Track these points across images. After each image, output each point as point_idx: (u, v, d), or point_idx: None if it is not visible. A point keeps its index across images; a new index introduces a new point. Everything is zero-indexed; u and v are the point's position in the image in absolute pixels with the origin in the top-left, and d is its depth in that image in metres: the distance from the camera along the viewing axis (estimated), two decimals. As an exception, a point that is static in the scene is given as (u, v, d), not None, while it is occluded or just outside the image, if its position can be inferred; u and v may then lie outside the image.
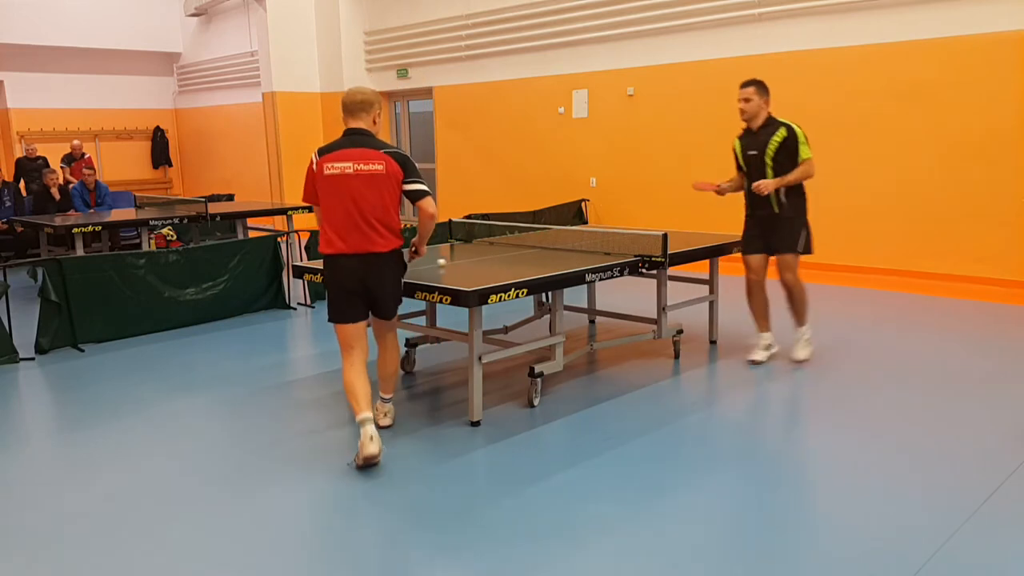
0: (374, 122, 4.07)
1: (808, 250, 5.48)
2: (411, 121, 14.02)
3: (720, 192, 5.78)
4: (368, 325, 4.20)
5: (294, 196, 13.31)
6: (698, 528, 3.26)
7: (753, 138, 5.44)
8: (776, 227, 5.46)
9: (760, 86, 5.40)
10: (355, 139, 4.01)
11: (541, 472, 3.81)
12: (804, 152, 5.31)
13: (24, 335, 6.28)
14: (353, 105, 4.04)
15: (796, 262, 5.45)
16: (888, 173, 8.30)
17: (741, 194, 5.75)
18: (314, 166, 4.01)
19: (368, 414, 3.92)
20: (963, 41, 7.70)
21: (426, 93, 13.18)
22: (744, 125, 5.52)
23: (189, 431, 4.51)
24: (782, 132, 5.32)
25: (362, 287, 4.02)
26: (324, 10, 13.53)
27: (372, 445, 3.84)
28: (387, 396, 4.48)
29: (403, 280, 4.24)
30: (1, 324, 5.92)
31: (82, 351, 6.21)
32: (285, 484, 3.78)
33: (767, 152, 5.35)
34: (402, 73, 13.25)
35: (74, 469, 4.04)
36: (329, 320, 4.13)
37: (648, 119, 10.27)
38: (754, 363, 5.55)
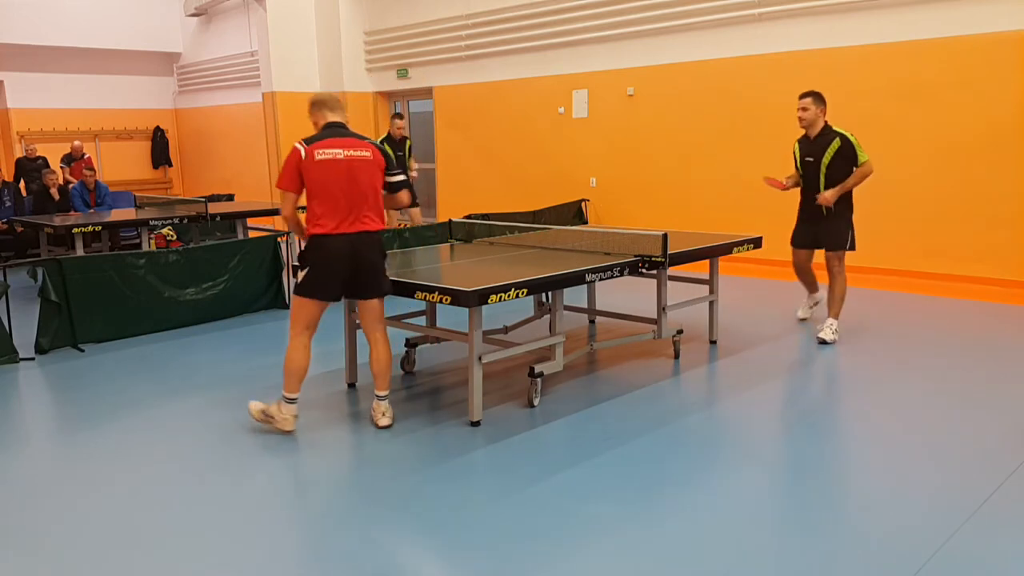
0: (347, 121, 4.41)
1: (852, 247, 6.09)
2: (411, 121, 14.01)
3: (785, 188, 6.35)
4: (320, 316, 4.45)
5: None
6: (698, 528, 3.26)
7: (811, 145, 6.05)
8: (825, 227, 6.08)
9: (817, 97, 6.00)
10: (340, 131, 4.29)
11: (541, 472, 3.81)
12: (861, 156, 5.89)
13: (24, 335, 6.28)
14: (333, 102, 4.38)
15: (842, 256, 6.09)
16: (888, 173, 8.28)
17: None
18: (302, 154, 4.16)
19: (298, 395, 4.36)
20: (963, 41, 7.71)
21: (426, 93, 13.18)
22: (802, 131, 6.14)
23: (189, 431, 4.51)
24: (836, 143, 5.90)
25: (350, 266, 4.25)
26: (324, 10, 13.53)
27: (294, 423, 4.35)
28: (383, 393, 4.47)
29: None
30: (1, 324, 5.92)
31: (82, 351, 6.21)
32: (284, 484, 3.78)
33: (823, 161, 5.95)
34: (402, 73, 13.25)
35: (74, 469, 4.04)
36: (300, 293, 4.29)
37: (648, 119, 10.27)
38: (802, 320, 6.57)
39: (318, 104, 4.35)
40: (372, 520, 3.40)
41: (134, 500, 3.64)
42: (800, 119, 6.03)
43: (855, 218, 6.13)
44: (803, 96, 6.02)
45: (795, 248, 6.38)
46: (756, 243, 6.09)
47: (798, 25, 8.79)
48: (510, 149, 11.96)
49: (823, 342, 5.97)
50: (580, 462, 3.92)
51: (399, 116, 9.77)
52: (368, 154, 4.24)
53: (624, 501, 3.50)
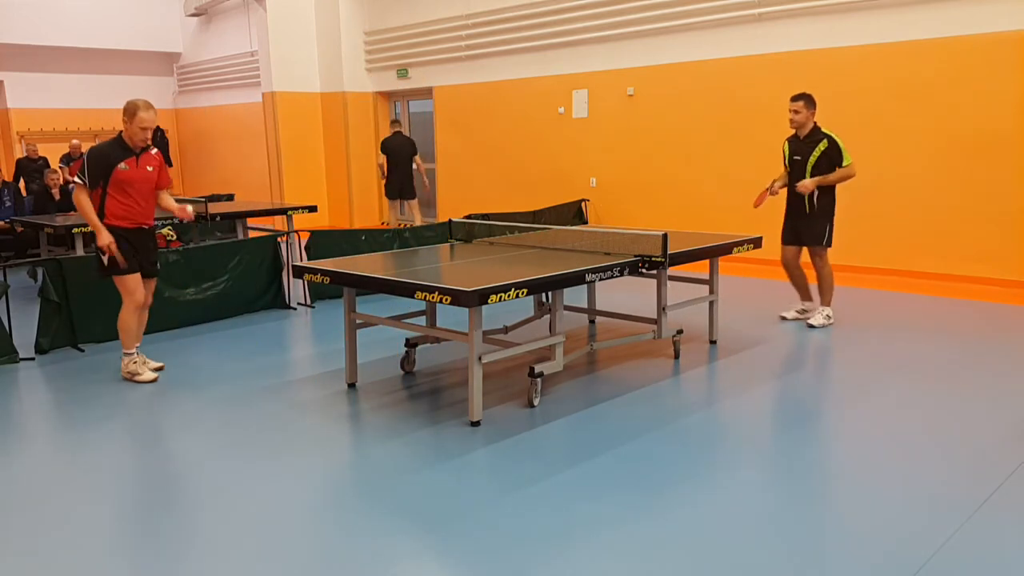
0: (125, 128, 5.28)
1: (828, 243, 6.39)
2: (411, 121, 14.02)
3: (773, 192, 6.57)
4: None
5: (294, 196, 13.33)
6: (697, 528, 3.26)
7: (799, 145, 6.35)
8: (806, 225, 6.40)
9: (809, 100, 6.27)
10: None
11: (541, 472, 3.81)
12: (846, 159, 6.19)
13: (24, 335, 6.28)
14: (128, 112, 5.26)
15: (823, 251, 6.41)
16: (888, 173, 8.30)
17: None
18: None
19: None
20: (963, 41, 7.71)
21: (426, 93, 13.19)
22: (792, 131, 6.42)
23: (189, 431, 4.51)
24: (824, 144, 6.20)
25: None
26: (324, 10, 13.54)
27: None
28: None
29: (103, 256, 5.25)
30: (1, 324, 5.91)
31: (82, 351, 6.21)
32: (282, 484, 3.78)
33: (810, 160, 6.27)
34: (402, 73, 13.25)
35: (74, 470, 4.04)
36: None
37: (648, 119, 10.27)
38: (783, 319, 6.65)
39: None
40: (372, 520, 3.40)
41: (134, 501, 3.64)
42: (791, 120, 6.29)
43: (838, 216, 6.42)
44: (795, 99, 6.28)
45: (783, 245, 6.61)
46: (756, 243, 6.08)
47: (798, 25, 8.80)
48: (510, 149, 11.96)
49: (811, 327, 6.37)
50: (580, 462, 3.92)
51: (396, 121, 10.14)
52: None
53: (624, 501, 3.50)
